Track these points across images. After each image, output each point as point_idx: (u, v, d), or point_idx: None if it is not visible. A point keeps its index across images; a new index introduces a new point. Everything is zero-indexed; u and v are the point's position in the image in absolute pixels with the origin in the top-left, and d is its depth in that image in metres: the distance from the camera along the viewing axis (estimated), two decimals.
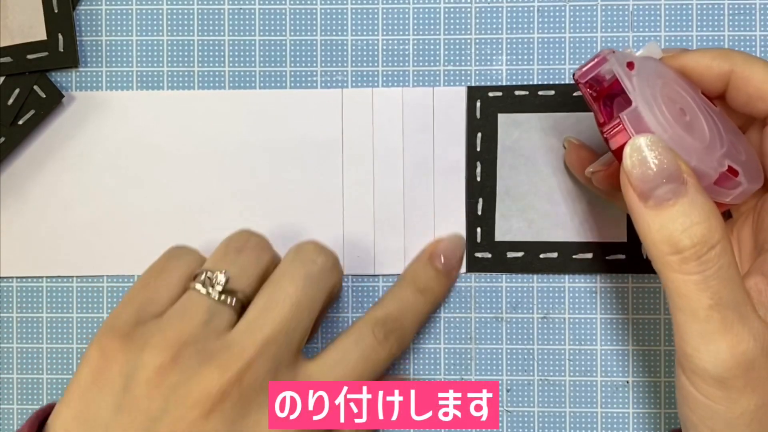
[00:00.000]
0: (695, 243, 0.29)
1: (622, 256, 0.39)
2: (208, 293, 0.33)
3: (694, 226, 0.29)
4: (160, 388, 0.31)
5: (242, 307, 0.34)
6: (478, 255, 0.40)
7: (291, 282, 0.34)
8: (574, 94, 0.40)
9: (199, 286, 0.34)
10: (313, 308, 0.34)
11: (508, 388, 0.40)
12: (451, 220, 0.40)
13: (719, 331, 0.29)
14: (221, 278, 0.34)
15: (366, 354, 0.35)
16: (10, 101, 0.40)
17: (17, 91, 0.40)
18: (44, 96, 0.40)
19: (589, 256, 0.40)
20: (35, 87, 0.40)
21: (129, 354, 0.32)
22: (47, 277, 0.41)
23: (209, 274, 0.34)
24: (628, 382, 0.40)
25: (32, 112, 0.40)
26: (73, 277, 0.41)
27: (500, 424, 0.40)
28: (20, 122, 0.40)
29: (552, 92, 0.40)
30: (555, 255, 0.40)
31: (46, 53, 0.40)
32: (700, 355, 0.29)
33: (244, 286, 0.34)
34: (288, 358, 0.33)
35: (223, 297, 0.33)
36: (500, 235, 0.40)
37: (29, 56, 0.40)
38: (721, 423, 0.30)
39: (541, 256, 0.40)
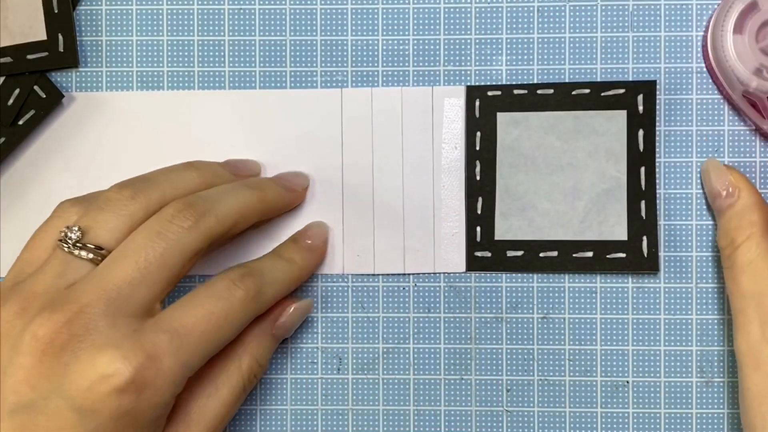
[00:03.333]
0: (725, 245, 0.37)
1: (623, 255, 0.39)
2: (67, 248, 0.34)
3: (727, 232, 0.37)
4: (9, 338, 0.32)
5: None
6: (478, 254, 0.40)
7: (144, 237, 0.34)
8: (573, 92, 0.40)
9: (59, 242, 0.34)
10: (164, 264, 0.34)
11: (508, 388, 0.40)
12: (450, 220, 0.40)
13: (735, 314, 0.36)
14: (74, 233, 0.34)
15: (218, 293, 0.35)
16: (10, 101, 0.40)
17: (17, 91, 0.40)
18: (44, 96, 0.40)
19: (590, 254, 0.40)
20: (35, 87, 0.40)
21: None
22: None
23: (66, 231, 0.34)
24: (628, 382, 0.40)
25: (32, 112, 0.40)
26: None
27: (500, 424, 0.40)
28: (20, 122, 0.40)
29: (551, 91, 0.40)
30: (555, 253, 0.40)
31: (46, 53, 0.40)
32: None
33: (105, 239, 0.34)
34: (132, 308, 0.33)
35: (77, 251, 0.34)
36: (500, 234, 0.40)
37: (29, 56, 0.40)
38: None
39: (541, 254, 0.40)
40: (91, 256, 0.34)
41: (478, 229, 0.40)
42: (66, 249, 0.34)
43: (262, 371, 0.38)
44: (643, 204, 0.39)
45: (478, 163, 0.40)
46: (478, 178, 0.40)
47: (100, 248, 0.34)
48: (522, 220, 0.40)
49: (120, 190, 0.35)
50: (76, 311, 0.32)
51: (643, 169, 0.39)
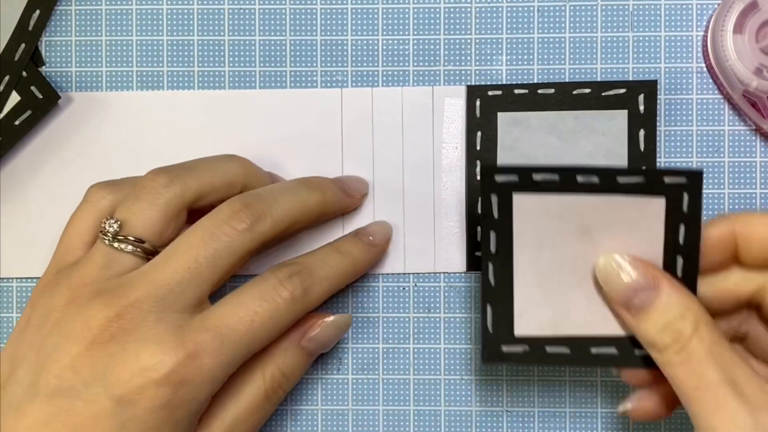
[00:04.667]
0: (671, 341, 0.32)
1: None
2: (108, 241, 0.35)
3: (668, 325, 0.32)
4: (58, 326, 0.33)
5: (148, 251, 0.35)
6: (479, 254, 0.40)
7: (197, 237, 0.34)
8: (574, 92, 0.40)
9: (100, 234, 0.35)
10: (215, 265, 0.34)
11: (508, 388, 0.40)
12: (450, 220, 0.40)
13: (711, 410, 0.30)
14: (113, 227, 0.35)
15: (264, 294, 0.34)
16: (9, 104, 0.40)
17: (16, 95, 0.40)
18: (41, 97, 0.40)
19: None
20: (32, 88, 0.40)
21: (43, 299, 0.35)
22: None
23: (105, 222, 0.35)
24: None
25: (29, 112, 0.40)
26: None
27: (500, 424, 0.40)
28: (17, 123, 0.40)
29: (552, 90, 0.40)
30: None
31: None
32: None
33: (143, 231, 0.35)
34: (180, 305, 0.34)
35: (116, 244, 0.35)
36: None
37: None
38: None
39: None
40: (130, 248, 0.35)
41: (478, 228, 0.40)
42: (106, 242, 0.35)
43: (288, 383, 0.37)
44: None
45: (478, 162, 0.40)
46: (478, 177, 0.40)
47: (141, 240, 0.35)
48: None
49: (155, 177, 0.35)
50: (127, 305, 0.33)
51: None
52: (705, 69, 0.40)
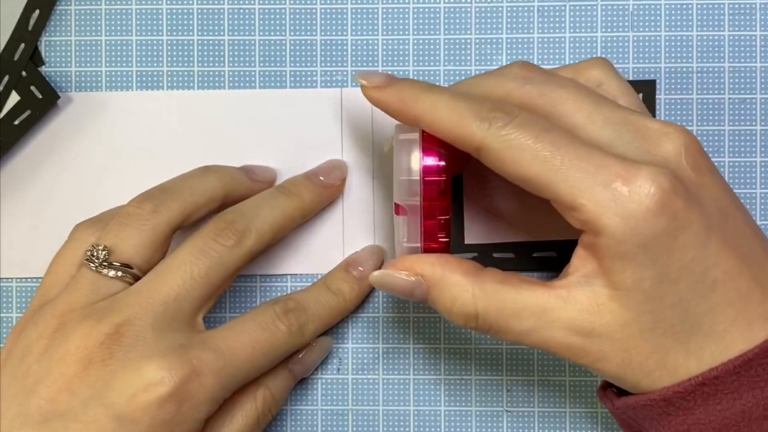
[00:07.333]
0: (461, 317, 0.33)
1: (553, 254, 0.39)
2: (95, 268, 0.34)
3: (453, 310, 0.32)
4: (47, 352, 0.33)
5: (136, 277, 0.35)
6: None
7: (188, 254, 0.34)
8: None
9: (86, 261, 0.35)
10: (208, 281, 0.34)
11: (508, 388, 0.40)
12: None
13: None
14: (101, 253, 0.34)
15: (263, 325, 0.35)
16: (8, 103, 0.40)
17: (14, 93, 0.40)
18: (40, 97, 0.40)
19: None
20: (32, 88, 0.40)
21: (27, 330, 0.34)
22: None
23: (92, 250, 0.35)
24: None
25: (28, 112, 0.40)
26: None
27: (500, 424, 0.40)
28: (16, 123, 0.40)
29: None
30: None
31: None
32: None
33: (131, 256, 0.35)
34: (177, 323, 0.34)
35: (105, 270, 0.34)
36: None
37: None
38: None
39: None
40: (119, 274, 0.34)
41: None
42: (93, 268, 0.34)
43: (276, 406, 0.37)
44: None
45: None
46: None
47: (128, 266, 0.34)
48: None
49: (140, 204, 0.35)
50: (125, 322, 0.33)
51: None
52: (705, 69, 0.40)
